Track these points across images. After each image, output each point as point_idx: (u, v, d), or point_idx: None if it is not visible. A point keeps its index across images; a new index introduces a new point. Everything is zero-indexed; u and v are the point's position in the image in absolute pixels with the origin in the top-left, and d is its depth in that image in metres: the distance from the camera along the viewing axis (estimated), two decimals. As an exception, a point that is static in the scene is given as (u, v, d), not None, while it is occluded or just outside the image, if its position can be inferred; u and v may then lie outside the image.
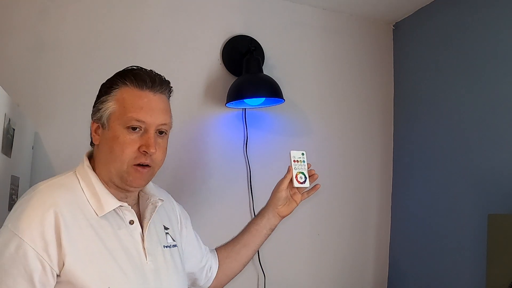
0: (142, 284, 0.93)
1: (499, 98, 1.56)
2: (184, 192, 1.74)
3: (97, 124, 0.97)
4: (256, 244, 1.24)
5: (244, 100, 1.74)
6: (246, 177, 1.86)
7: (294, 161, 1.17)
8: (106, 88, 0.97)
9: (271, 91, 1.73)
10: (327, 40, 2.05)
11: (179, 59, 1.79)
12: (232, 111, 1.87)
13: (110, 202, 0.93)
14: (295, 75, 1.98)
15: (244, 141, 1.86)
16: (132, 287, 0.91)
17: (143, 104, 0.94)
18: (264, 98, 1.76)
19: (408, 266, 1.95)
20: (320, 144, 2.00)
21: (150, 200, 1.03)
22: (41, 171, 1.54)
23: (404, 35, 2.11)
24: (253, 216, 1.84)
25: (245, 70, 1.78)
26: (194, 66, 1.81)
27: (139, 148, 0.93)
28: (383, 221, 2.08)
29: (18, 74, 1.56)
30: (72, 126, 1.61)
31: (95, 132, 0.98)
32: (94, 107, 0.98)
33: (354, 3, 1.99)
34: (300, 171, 1.18)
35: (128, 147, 0.93)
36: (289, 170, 1.18)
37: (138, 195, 1.05)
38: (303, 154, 1.19)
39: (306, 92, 1.99)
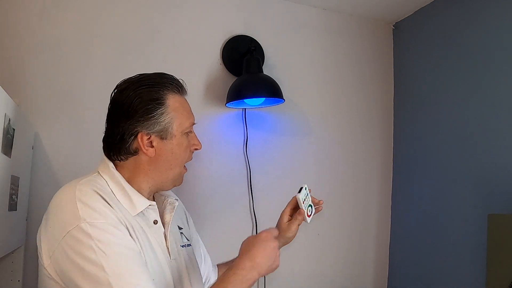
0: (168, 281, 0.97)
1: (499, 98, 1.56)
2: (184, 192, 1.74)
3: (150, 136, 0.97)
4: None
5: (244, 100, 1.74)
6: (246, 177, 1.86)
7: (303, 202, 1.12)
8: (156, 101, 0.97)
9: (271, 91, 1.73)
10: (327, 40, 2.05)
11: (179, 59, 1.79)
12: (232, 111, 1.87)
13: (141, 201, 0.97)
14: (295, 75, 1.98)
15: (244, 141, 1.86)
16: (161, 284, 0.95)
17: (190, 108, 1.05)
18: (264, 98, 1.76)
19: (408, 266, 1.95)
20: (320, 144, 2.00)
21: (167, 200, 1.08)
22: (41, 171, 1.54)
23: (404, 35, 2.11)
24: (253, 216, 1.85)
25: (245, 70, 1.78)
26: (194, 66, 1.81)
27: (190, 148, 1.04)
28: (383, 221, 2.08)
29: (18, 74, 1.56)
30: (72, 126, 1.61)
31: (148, 146, 0.97)
32: (147, 120, 0.96)
33: (354, 3, 1.99)
34: (308, 204, 1.14)
35: (187, 150, 1.03)
36: (301, 213, 1.12)
37: (153, 196, 1.09)
38: (306, 189, 1.14)
39: (306, 92, 1.99)
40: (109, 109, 1.01)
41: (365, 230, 2.05)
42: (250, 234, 1.83)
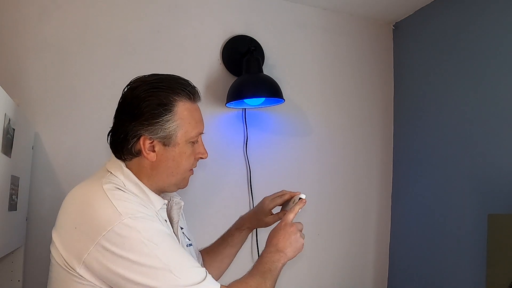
0: None
1: (499, 98, 1.56)
2: (183, 192, 1.74)
3: (152, 141, 0.96)
4: (236, 253, 1.31)
5: (244, 100, 1.74)
6: (246, 177, 1.86)
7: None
8: (164, 106, 0.95)
9: (271, 91, 1.73)
10: (327, 40, 2.05)
11: (179, 59, 1.79)
12: (232, 111, 1.87)
13: (157, 199, 0.99)
14: (295, 75, 1.97)
15: (244, 141, 1.86)
16: None
17: (200, 117, 1.02)
18: (264, 98, 1.76)
19: (408, 266, 1.95)
20: (320, 144, 2.00)
21: (173, 200, 1.08)
22: (41, 171, 1.55)
23: (404, 35, 2.11)
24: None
25: (245, 70, 1.78)
26: (194, 66, 1.81)
27: (195, 156, 1.02)
28: (383, 221, 2.08)
29: (18, 74, 1.56)
30: (72, 126, 1.61)
31: (149, 149, 0.96)
32: (151, 125, 0.95)
33: (354, 3, 1.99)
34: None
35: (191, 158, 1.01)
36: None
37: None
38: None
39: (306, 92, 1.99)
40: (118, 104, 0.99)
41: (365, 230, 2.05)
42: (250, 234, 1.84)
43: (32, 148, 1.50)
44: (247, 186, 1.86)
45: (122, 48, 1.70)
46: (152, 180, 0.99)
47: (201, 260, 1.25)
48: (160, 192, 1.03)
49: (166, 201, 1.01)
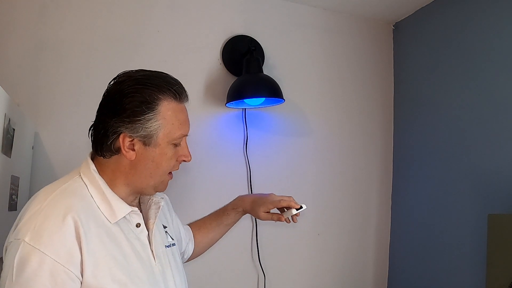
0: (154, 286, 0.94)
1: (499, 98, 1.56)
2: (184, 192, 1.75)
3: (133, 139, 0.92)
4: (227, 232, 1.34)
5: (244, 100, 1.74)
6: (246, 177, 1.86)
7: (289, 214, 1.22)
8: (147, 104, 0.91)
9: (271, 91, 1.73)
10: (327, 40, 2.05)
11: (179, 59, 1.79)
12: (232, 111, 1.87)
13: (122, 208, 0.93)
14: (295, 75, 1.98)
15: (244, 141, 1.86)
16: None
17: (185, 118, 0.98)
18: (264, 98, 1.76)
19: (408, 266, 1.95)
20: (320, 144, 2.00)
21: (152, 200, 1.03)
22: (41, 171, 1.54)
23: (404, 35, 2.11)
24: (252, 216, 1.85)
25: (245, 70, 1.78)
26: (194, 66, 1.81)
27: (177, 158, 0.98)
28: (383, 221, 2.08)
29: (18, 74, 1.56)
30: (72, 126, 1.61)
31: (129, 148, 0.92)
32: (132, 123, 0.91)
33: (354, 3, 1.99)
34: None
35: (172, 160, 0.97)
36: (280, 219, 1.23)
37: None
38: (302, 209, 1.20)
39: (306, 92, 1.99)
40: (102, 98, 0.96)
41: (365, 230, 2.06)
42: (250, 234, 1.85)
43: (32, 148, 1.50)
44: (247, 186, 1.86)
45: (122, 48, 1.70)
46: (130, 180, 0.95)
47: (190, 234, 1.26)
48: (138, 193, 1.00)
49: (134, 209, 0.96)
